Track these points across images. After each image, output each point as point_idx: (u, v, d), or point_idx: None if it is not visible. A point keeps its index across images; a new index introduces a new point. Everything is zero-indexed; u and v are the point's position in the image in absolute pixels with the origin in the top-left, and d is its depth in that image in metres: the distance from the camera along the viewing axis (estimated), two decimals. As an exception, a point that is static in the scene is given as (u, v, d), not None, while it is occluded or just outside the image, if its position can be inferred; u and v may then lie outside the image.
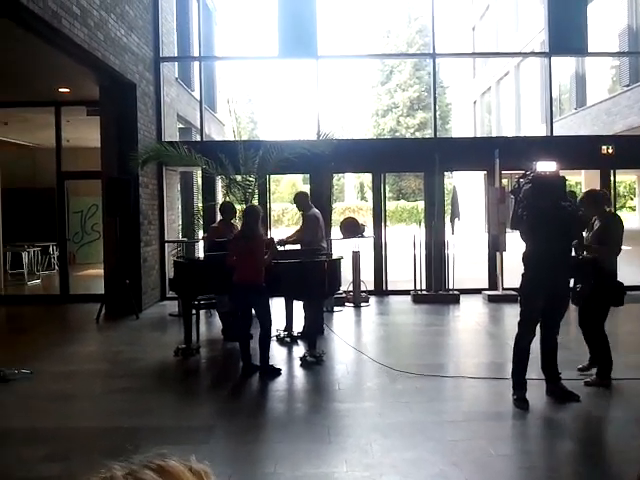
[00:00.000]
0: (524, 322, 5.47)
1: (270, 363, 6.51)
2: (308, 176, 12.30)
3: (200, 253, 11.73)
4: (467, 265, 12.96)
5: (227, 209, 8.50)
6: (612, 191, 11.89)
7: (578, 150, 11.43)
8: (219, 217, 8.90)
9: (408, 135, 43.33)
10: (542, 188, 5.43)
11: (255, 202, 9.80)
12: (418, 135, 42.72)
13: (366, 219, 15.05)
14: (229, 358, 7.46)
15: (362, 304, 10.66)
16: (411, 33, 46.19)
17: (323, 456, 4.41)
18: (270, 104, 66.24)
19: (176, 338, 7.94)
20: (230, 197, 9.62)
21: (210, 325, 9.29)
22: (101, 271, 10.70)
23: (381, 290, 11.70)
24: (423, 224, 11.78)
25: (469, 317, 9.68)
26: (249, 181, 9.61)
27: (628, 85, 18.05)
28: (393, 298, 11.37)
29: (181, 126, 14.23)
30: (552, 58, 12.20)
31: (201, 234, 10.71)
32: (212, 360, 7.53)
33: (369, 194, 29.08)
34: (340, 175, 36.82)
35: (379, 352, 7.55)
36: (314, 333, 7.26)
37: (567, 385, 5.54)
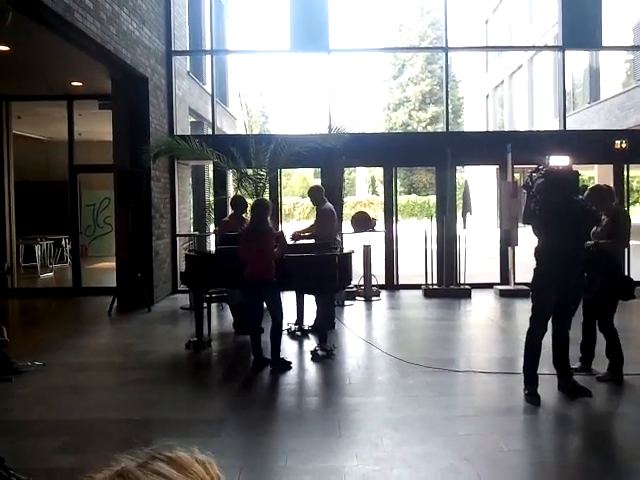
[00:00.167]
0: (536, 317, 5.45)
1: (281, 357, 6.52)
2: (319, 170, 12.29)
3: (211, 246, 11.76)
4: (479, 260, 12.92)
5: (238, 203, 8.50)
6: (625, 186, 11.81)
7: (591, 145, 11.35)
8: (230, 211, 8.91)
9: (420, 129, 43.17)
10: (555, 183, 5.40)
11: (266, 196, 9.79)
12: (430, 129, 42.52)
13: (377, 213, 15.06)
14: (240, 351, 7.47)
15: (373, 298, 10.66)
16: (423, 26, 45.99)
17: (334, 450, 4.42)
18: (281, 98, 66.21)
19: (187, 331, 7.98)
20: (241, 191, 9.63)
21: (221, 318, 9.32)
22: (113, 264, 10.76)
23: (392, 284, 11.69)
24: (434, 218, 11.75)
25: (480, 312, 9.65)
26: (260, 175, 9.61)
27: (642, 79, 17.91)
28: (404, 292, 11.36)
29: (193, 120, 14.25)
30: (566, 52, 12.11)
31: (212, 228, 10.73)
32: (223, 353, 7.55)
33: (380, 188, 29.00)
34: (351, 169, 36.74)
35: (390, 346, 7.54)
36: (325, 327, 7.27)
37: (579, 380, 5.52)
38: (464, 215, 11.28)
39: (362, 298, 10.61)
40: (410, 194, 41.74)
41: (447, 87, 12.69)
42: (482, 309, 9.82)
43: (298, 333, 8.04)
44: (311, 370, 6.63)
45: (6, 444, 4.17)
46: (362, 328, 8.67)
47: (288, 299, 8.17)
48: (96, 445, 4.48)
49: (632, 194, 18.53)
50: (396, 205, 12.13)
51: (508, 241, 10.96)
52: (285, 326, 7.05)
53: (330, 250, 7.60)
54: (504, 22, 28.82)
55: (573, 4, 11.71)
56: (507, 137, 12.05)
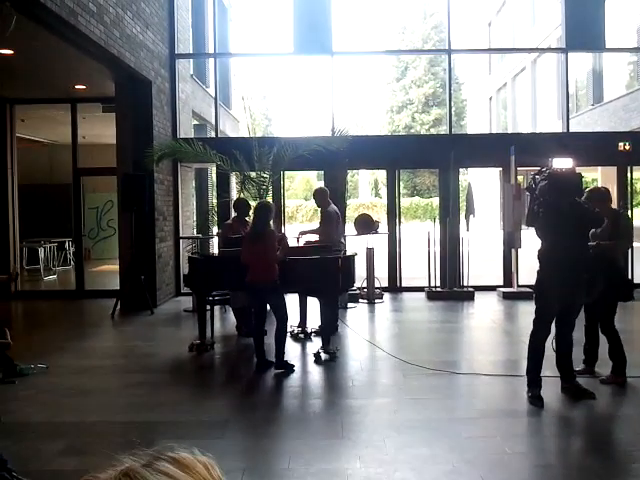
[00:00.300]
0: (539, 319, 5.44)
1: (284, 359, 6.51)
2: (322, 173, 12.30)
3: (214, 249, 11.77)
4: (482, 262, 12.91)
5: (241, 206, 8.51)
6: (629, 188, 11.79)
7: (595, 147, 11.33)
8: (233, 214, 8.92)
9: (423, 131, 43.19)
10: (558, 185, 5.39)
11: (269, 199, 9.80)
12: (433, 131, 42.58)
13: (380, 216, 15.05)
14: (243, 354, 7.48)
15: (376, 300, 10.65)
16: (426, 29, 46.01)
17: (337, 452, 4.42)
18: (285, 101, 66.30)
19: (190, 334, 7.98)
20: (244, 193, 9.64)
21: (224, 321, 9.33)
22: (116, 267, 10.77)
23: (395, 286, 11.68)
24: (438, 221, 11.74)
25: (484, 314, 9.64)
26: (263, 177, 9.62)
27: (646, 81, 17.88)
28: (407, 295, 11.35)
29: (196, 123, 14.28)
30: (569, 54, 12.10)
31: (215, 230, 10.74)
32: (226, 356, 7.55)
33: (383, 190, 28.99)
34: (354, 171, 36.74)
35: (393, 348, 7.53)
36: (328, 330, 7.26)
37: (582, 383, 5.51)
38: (467, 217, 11.28)
39: (365, 300, 10.60)
40: (413, 196, 41.73)
41: (450, 89, 12.69)
42: (485, 311, 9.81)
43: (301, 336, 8.04)
44: (314, 372, 6.64)
45: (9, 446, 4.18)
46: (365, 330, 8.67)
47: (291, 302, 8.16)
48: (99, 447, 4.48)
49: (636, 196, 18.49)
50: (399, 207, 12.12)
51: (511, 243, 10.95)
52: (288, 329, 7.03)
53: (333, 253, 7.60)
54: (507, 24, 28.80)
55: (576, 6, 11.70)
56: (510, 139, 12.04)
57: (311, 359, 6.92)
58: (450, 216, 11.39)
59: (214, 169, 12.01)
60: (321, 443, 4.60)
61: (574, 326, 5.52)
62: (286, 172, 11.78)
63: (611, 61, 21.09)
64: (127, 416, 5.24)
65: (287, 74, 63.61)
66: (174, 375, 6.59)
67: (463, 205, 11.72)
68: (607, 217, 5.84)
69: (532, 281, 5.65)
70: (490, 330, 8.71)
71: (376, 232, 10.71)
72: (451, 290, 11.01)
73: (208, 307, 7.74)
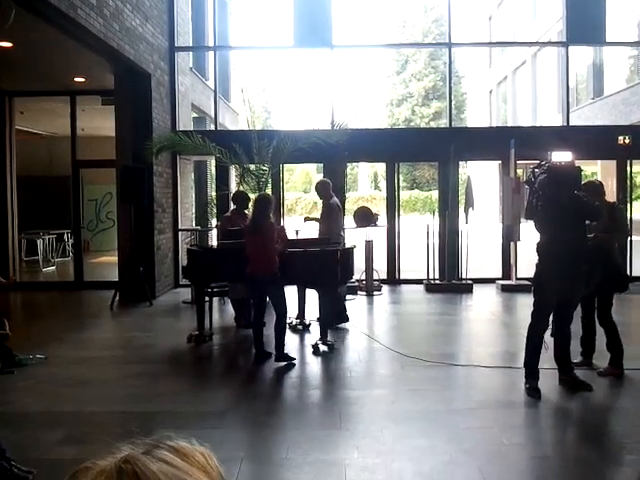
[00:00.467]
0: (537, 312, 5.45)
1: (284, 352, 6.51)
2: (322, 165, 12.29)
3: (213, 241, 11.78)
4: (481, 255, 12.92)
5: (240, 199, 8.51)
6: (628, 181, 11.79)
7: (595, 140, 11.32)
8: (232, 206, 8.93)
9: (423, 125, 43.12)
10: (557, 178, 5.39)
11: (268, 191, 9.80)
12: (433, 125, 42.48)
13: (379, 208, 15.05)
14: (241, 345, 7.50)
15: (375, 293, 10.67)
16: (427, 22, 45.86)
17: (334, 442, 4.44)
18: (284, 94, 66.14)
19: (189, 325, 7.99)
20: (244, 186, 9.64)
21: (223, 312, 9.34)
22: (115, 258, 10.77)
23: (394, 279, 11.70)
24: (437, 214, 11.75)
25: (482, 306, 9.66)
26: (263, 170, 9.62)
27: (646, 75, 17.86)
28: (406, 287, 11.36)
29: (195, 115, 14.25)
30: (569, 47, 12.08)
31: (214, 222, 10.75)
32: (225, 347, 7.57)
33: (383, 183, 28.99)
34: (354, 164, 36.70)
35: (392, 341, 7.55)
36: (327, 321, 7.27)
37: (579, 375, 5.52)
38: (466, 210, 11.28)
39: (364, 293, 10.61)
40: (413, 189, 41.69)
41: (450, 83, 12.67)
42: (484, 304, 9.83)
43: (300, 327, 8.05)
44: (312, 364, 6.65)
45: (8, 435, 4.19)
46: (364, 322, 8.68)
47: (290, 293, 8.17)
48: (98, 437, 4.48)
49: (635, 189, 18.49)
50: (398, 200, 12.12)
51: (510, 236, 10.95)
52: (287, 320, 7.03)
53: (332, 245, 7.60)
54: (508, 18, 28.74)
55: (577, 0, 11.67)
56: (510, 132, 12.04)
57: (309, 350, 6.93)
58: (449, 209, 11.39)
59: (213, 162, 12.01)
60: (319, 433, 4.62)
61: (572, 319, 5.53)
62: (285, 165, 11.77)
63: (611, 55, 21.06)
64: (126, 406, 5.26)
65: (287, 67, 63.45)
66: (173, 366, 6.61)
67: (462, 198, 11.72)
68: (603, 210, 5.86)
69: (531, 274, 5.66)
70: (488, 322, 8.73)
71: (375, 225, 10.72)
72: (450, 283, 11.02)
73: (207, 299, 7.75)
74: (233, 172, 12.06)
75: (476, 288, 10.82)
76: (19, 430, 4.63)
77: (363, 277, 10.78)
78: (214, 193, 12.17)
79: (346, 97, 49.90)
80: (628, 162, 11.63)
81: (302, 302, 8.21)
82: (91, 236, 16.44)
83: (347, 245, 8.13)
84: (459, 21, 23.56)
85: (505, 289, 10.69)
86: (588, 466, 4.07)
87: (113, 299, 9.62)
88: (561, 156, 5.90)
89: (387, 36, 47.27)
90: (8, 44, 8.47)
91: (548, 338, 5.54)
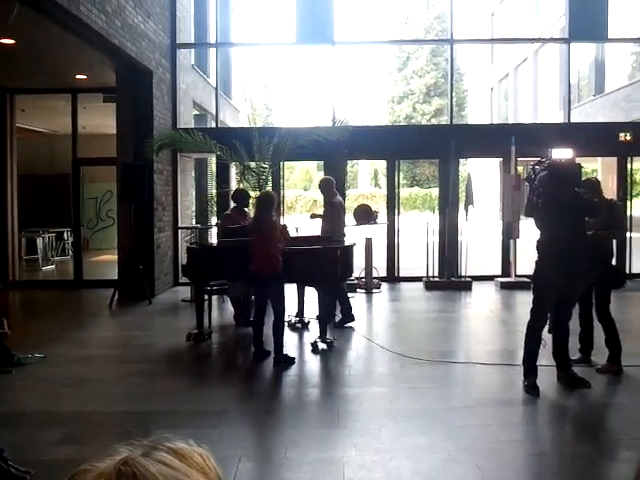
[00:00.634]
0: (536, 309, 5.45)
1: (284, 352, 6.48)
2: (322, 163, 12.28)
3: (213, 239, 11.78)
4: (480, 252, 12.92)
5: (240, 197, 8.51)
6: (629, 178, 11.77)
7: (596, 137, 11.30)
8: (232, 204, 8.92)
9: (424, 122, 43.05)
10: (557, 175, 5.39)
11: (269, 189, 9.79)
12: (434, 122, 42.41)
13: (379, 206, 15.05)
14: (240, 343, 7.50)
15: (374, 290, 10.66)
16: (429, 19, 45.79)
17: (333, 441, 4.44)
18: (285, 91, 66.12)
19: (188, 323, 7.98)
20: (244, 184, 9.63)
21: (222, 311, 9.34)
22: (115, 257, 10.77)
23: (393, 276, 11.69)
24: (437, 211, 11.74)
25: (481, 304, 9.66)
26: (263, 168, 9.61)
27: (647, 71, 17.82)
28: (405, 285, 11.36)
29: (196, 113, 14.24)
30: (571, 44, 12.05)
31: (214, 220, 10.75)
32: (224, 345, 7.58)
33: (383, 181, 28.97)
34: (354, 162, 36.70)
35: (391, 338, 7.56)
36: (326, 319, 7.26)
37: (578, 372, 5.52)
38: (466, 208, 11.27)
39: (363, 290, 10.61)
40: (413, 187, 41.64)
41: (452, 80, 12.67)
42: (483, 301, 9.83)
43: (299, 325, 8.05)
44: (311, 362, 6.65)
45: (5, 435, 4.19)
46: (363, 320, 8.66)
47: (289, 291, 8.17)
48: (96, 437, 4.49)
49: (635, 186, 18.46)
50: (398, 198, 12.11)
51: (510, 234, 10.95)
52: (286, 318, 7.03)
53: (333, 243, 7.59)
54: (510, 14, 28.68)
55: (579, -4, 11.65)
56: (511, 130, 12.03)
57: (308, 348, 6.93)
58: (449, 206, 11.38)
59: (214, 159, 11.99)
60: (317, 432, 4.62)
61: (571, 316, 5.54)
62: (286, 162, 11.77)
63: (613, 51, 21.01)
64: (125, 405, 5.26)
65: (288, 64, 63.32)
66: (172, 365, 6.61)
67: (462, 195, 11.71)
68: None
69: (530, 271, 5.66)
70: (487, 320, 8.73)
71: (375, 222, 10.71)
72: (449, 280, 11.01)
73: (206, 297, 7.75)
74: (234, 170, 12.06)
75: (475, 285, 10.82)
76: (17, 430, 4.63)
77: (362, 275, 10.78)
78: (214, 191, 12.16)
79: (347, 94, 49.91)
80: (629, 159, 11.62)
81: (301, 300, 8.20)
82: (91, 234, 16.43)
83: (347, 243, 8.12)
84: (461, 18, 23.53)
85: (504, 286, 10.68)
86: (586, 463, 4.07)
87: (112, 298, 9.62)
88: (561, 153, 5.89)
89: (389, 33, 47.29)
90: (11, 41, 8.46)
91: (546, 335, 5.54)
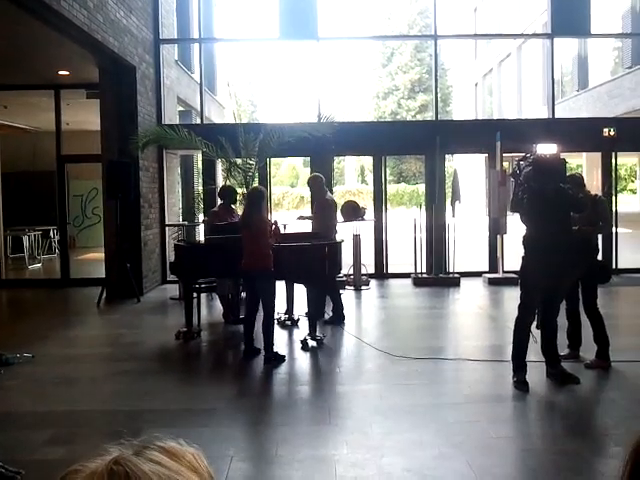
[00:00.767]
0: (524, 305, 5.48)
1: (274, 350, 6.46)
2: (309, 159, 12.27)
3: (200, 236, 11.74)
4: (468, 248, 12.97)
5: (227, 193, 8.48)
6: (613, 174, 11.86)
7: (580, 132, 11.37)
8: (219, 201, 8.89)
9: (409, 118, 43.13)
10: (542, 171, 5.41)
11: (256, 185, 9.76)
12: (419, 117, 42.51)
13: (366, 202, 15.05)
14: (230, 341, 7.49)
15: (363, 287, 10.67)
16: (412, 14, 45.81)
17: (324, 438, 4.44)
18: (270, 87, 65.90)
19: (177, 321, 7.95)
20: (230, 180, 9.60)
21: (211, 308, 9.31)
22: (102, 255, 10.70)
23: (382, 273, 11.71)
24: (424, 207, 11.77)
25: (469, 300, 9.70)
26: (249, 164, 9.58)
27: (630, 67, 17.98)
28: (393, 281, 11.38)
29: (181, 109, 14.17)
30: (555, 39, 12.11)
31: (201, 217, 10.71)
32: (213, 343, 7.56)
33: (370, 177, 29.05)
34: (341, 158, 36.68)
35: (380, 335, 7.58)
36: (315, 316, 7.25)
37: (567, 367, 5.56)
38: (453, 204, 11.30)
39: (352, 287, 10.61)
40: (399, 183, 41.71)
41: (436, 75, 12.70)
42: (471, 297, 9.87)
43: (288, 322, 8.04)
44: (301, 359, 6.64)
45: (-5, 436, 4.16)
46: (352, 317, 8.66)
47: (279, 289, 8.16)
48: (85, 436, 4.48)
49: (620, 182, 18.61)
50: (385, 194, 12.12)
51: (497, 229, 11.00)
52: (275, 316, 7.02)
53: (320, 240, 7.58)
54: (493, 10, 28.77)
55: (562, -8, 11.70)
56: (496, 125, 12.06)
57: (298, 346, 6.93)
58: (436, 202, 11.41)
59: (200, 156, 11.95)
60: (309, 429, 4.63)
61: (559, 311, 5.57)
62: (272, 159, 11.75)
63: (596, 47, 21.15)
64: (114, 405, 5.24)
65: (273, 60, 63.17)
66: (161, 363, 6.58)
67: (449, 191, 11.75)
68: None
69: (517, 267, 5.68)
70: (476, 316, 8.76)
71: (362, 219, 10.70)
72: (437, 276, 11.05)
73: (195, 295, 7.72)
74: (220, 166, 12.02)
75: (463, 281, 10.86)
76: (6, 430, 4.60)
77: (351, 272, 10.79)
78: (201, 188, 12.12)
79: (333, 90, 49.81)
80: (613, 154, 11.70)
81: (291, 297, 8.19)
82: (77, 232, 16.31)
83: (336, 239, 8.11)
84: (444, 13, 23.51)
85: (492, 282, 10.73)
86: (576, 458, 4.10)
87: (100, 296, 9.56)
88: (546, 148, 5.91)
89: (373, 28, 47.20)
90: (-9, 37, 8.37)
91: (534, 331, 5.57)
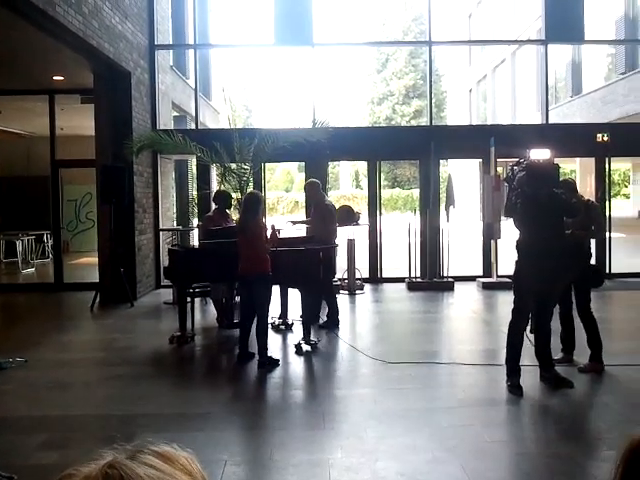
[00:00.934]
0: (517, 309, 5.49)
1: (268, 354, 6.45)
2: (303, 164, 12.28)
3: (195, 241, 11.73)
4: (462, 252, 12.99)
5: (221, 198, 8.48)
6: (607, 179, 11.91)
7: (573, 138, 11.42)
8: (213, 206, 8.89)
9: (403, 123, 43.25)
10: (535, 176, 5.44)
11: (250, 189, 9.76)
12: (413, 123, 42.62)
13: (361, 207, 15.07)
14: (224, 346, 7.48)
15: (357, 292, 10.68)
16: (407, 21, 45.97)
17: (319, 442, 4.44)
18: (265, 92, 66.03)
19: (171, 326, 7.94)
20: (225, 185, 9.60)
21: (205, 313, 9.30)
22: (95, 259, 10.69)
23: (376, 277, 11.72)
24: (418, 212, 11.79)
25: (463, 304, 9.71)
26: (244, 169, 9.58)
27: (624, 73, 18.08)
28: (388, 286, 11.39)
29: (176, 114, 14.17)
30: (548, 46, 12.17)
31: (196, 222, 10.70)
32: (207, 348, 7.54)
33: (364, 182, 29.08)
34: (335, 163, 36.73)
35: (374, 340, 7.59)
36: (310, 321, 7.25)
37: (560, 371, 5.57)
38: (447, 208, 11.33)
39: (346, 292, 10.62)
40: (394, 188, 41.79)
41: (431, 81, 12.72)
42: (465, 302, 9.88)
43: (282, 327, 8.03)
44: (295, 363, 6.63)
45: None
46: (346, 322, 8.67)
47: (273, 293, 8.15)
48: (79, 441, 4.47)
49: (613, 187, 18.69)
50: (380, 199, 12.14)
51: (491, 234, 11.02)
52: (269, 320, 7.01)
53: (315, 244, 7.57)
54: (487, 16, 28.88)
55: (556, -2, 11.76)
56: (490, 131, 12.11)
57: (292, 350, 6.92)
58: (430, 207, 11.44)
59: (194, 161, 11.95)
60: (303, 434, 4.62)
61: (552, 315, 5.58)
62: (267, 164, 11.75)
63: (590, 53, 21.26)
64: (107, 409, 5.22)
65: (268, 65, 63.36)
66: (155, 368, 6.56)
67: (443, 196, 11.77)
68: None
69: (511, 271, 5.70)
70: (470, 320, 8.77)
71: (357, 223, 10.72)
72: (431, 281, 11.07)
73: (188, 299, 7.71)
74: (214, 171, 12.01)
75: (457, 286, 10.88)
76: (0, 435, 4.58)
77: (345, 276, 10.79)
78: (195, 192, 12.11)
79: (327, 95, 49.90)
80: (607, 159, 11.75)
81: (285, 302, 8.18)
82: (71, 237, 16.28)
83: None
84: (439, 19, 23.58)
85: (486, 287, 10.76)
86: (570, 462, 4.10)
87: (94, 301, 9.54)
88: (539, 154, 5.94)
89: (368, 34, 47.37)
90: (-15, 42, 8.36)
91: (528, 335, 5.59)
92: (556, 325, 5.90)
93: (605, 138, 11.30)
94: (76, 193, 16.08)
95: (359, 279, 11.02)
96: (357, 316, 9.38)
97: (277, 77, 69.98)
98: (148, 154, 10.90)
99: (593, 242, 6.48)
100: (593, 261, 6.37)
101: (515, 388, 5.32)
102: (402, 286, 11.11)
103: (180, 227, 11.29)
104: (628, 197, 30.43)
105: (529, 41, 21.02)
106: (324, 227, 8.26)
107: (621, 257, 11.99)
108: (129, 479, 0.73)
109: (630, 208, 28.13)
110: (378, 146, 11.58)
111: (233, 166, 9.68)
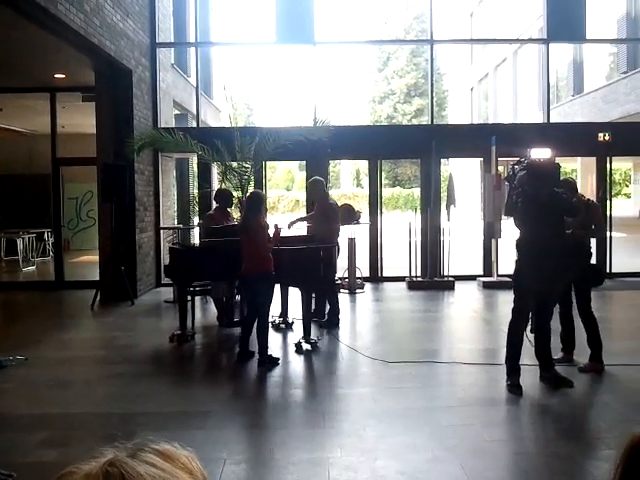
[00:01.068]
0: (518, 309, 5.49)
1: (269, 353, 6.45)
2: (304, 163, 12.28)
3: (195, 239, 11.73)
4: (462, 252, 12.99)
5: (222, 197, 8.47)
6: (608, 178, 11.90)
7: (575, 137, 11.41)
8: (214, 204, 8.88)
9: (405, 122, 43.21)
10: (536, 175, 5.43)
11: (251, 189, 9.76)
12: (415, 122, 42.55)
13: (362, 206, 15.07)
14: (224, 344, 7.48)
15: (357, 290, 10.68)
16: (408, 19, 45.94)
17: (318, 441, 4.44)
18: (267, 90, 66.02)
19: (171, 324, 7.95)
20: (226, 184, 9.60)
21: (205, 311, 9.30)
22: (96, 257, 10.69)
23: (376, 276, 11.72)
24: (419, 211, 11.79)
25: (464, 303, 9.71)
26: (245, 168, 9.57)
27: (626, 72, 18.05)
28: (388, 285, 11.39)
29: (177, 112, 14.18)
30: (550, 45, 12.16)
31: (197, 220, 10.70)
32: (207, 346, 7.55)
33: (365, 181, 29.08)
34: (336, 162, 36.72)
35: (374, 338, 7.60)
36: (309, 320, 7.25)
37: (560, 371, 5.57)
38: (448, 207, 11.33)
39: (346, 291, 10.62)
40: (395, 187, 41.79)
41: (432, 80, 12.71)
42: (465, 301, 9.88)
43: (282, 326, 8.04)
44: (295, 362, 6.64)
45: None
46: (346, 321, 8.67)
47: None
48: (79, 439, 4.47)
49: (614, 186, 18.67)
50: (381, 197, 12.14)
51: (491, 233, 11.02)
52: (270, 319, 7.00)
53: (316, 243, 7.57)
54: (489, 15, 28.85)
55: (557, -3, 11.75)
56: (491, 130, 12.11)
57: (292, 349, 6.92)
58: (431, 206, 11.43)
59: (195, 159, 11.95)
60: (303, 432, 4.63)
61: (552, 314, 5.58)
62: (268, 162, 11.75)
63: (592, 52, 21.23)
64: (107, 407, 5.23)
65: (269, 64, 63.38)
66: (155, 366, 6.57)
67: (444, 195, 11.77)
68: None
69: (512, 270, 5.70)
70: (470, 319, 8.77)
71: (358, 222, 10.72)
72: (432, 280, 11.06)
73: (189, 298, 7.71)
74: (215, 170, 12.01)
75: (458, 285, 10.88)
76: (0, 433, 4.58)
77: (346, 275, 10.79)
78: (196, 191, 12.11)
79: (329, 94, 49.92)
80: (608, 159, 11.74)
81: (285, 300, 8.19)
82: (72, 235, 16.28)
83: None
84: (440, 18, 23.57)
85: (486, 286, 10.76)
86: (569, 461, 4.11)
87: (94, 299, 9.55)
88: (540, 153, 5.93)
89: (369, 33, 47.33)
90: (-13, 40, 8.36)
91: (529, 334, 5.59)
92: (556, 325, 5.91)
93: (606, 137, 11.29)
94: (77, 191, 16.08)
95: (359, 278, 11.02)
96: (357, 315, 9.38)
97: (278, 75, 69.98)
98: (149, 152, 10.90)
99: (593, 242, 6.48)
100: (593, 260, 6.37)
101: (515, 387, 5.32)
102: (402, 285, 11.11)
103: (181, 225, 11.28)
104: (629, 197, 30.41)
105: (531, 40, 21.01)
106: (327, 226, 8.24)
107: (622, 257, 11.99)
108: (130, 477, 0.73)
109: (631, 208, 28.10)
110: (379, 145, 11.58)
111: (234, 164, 9.67)
